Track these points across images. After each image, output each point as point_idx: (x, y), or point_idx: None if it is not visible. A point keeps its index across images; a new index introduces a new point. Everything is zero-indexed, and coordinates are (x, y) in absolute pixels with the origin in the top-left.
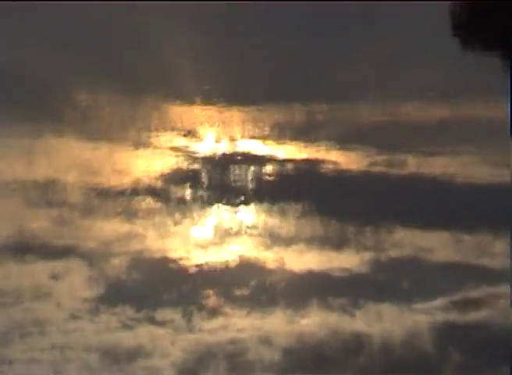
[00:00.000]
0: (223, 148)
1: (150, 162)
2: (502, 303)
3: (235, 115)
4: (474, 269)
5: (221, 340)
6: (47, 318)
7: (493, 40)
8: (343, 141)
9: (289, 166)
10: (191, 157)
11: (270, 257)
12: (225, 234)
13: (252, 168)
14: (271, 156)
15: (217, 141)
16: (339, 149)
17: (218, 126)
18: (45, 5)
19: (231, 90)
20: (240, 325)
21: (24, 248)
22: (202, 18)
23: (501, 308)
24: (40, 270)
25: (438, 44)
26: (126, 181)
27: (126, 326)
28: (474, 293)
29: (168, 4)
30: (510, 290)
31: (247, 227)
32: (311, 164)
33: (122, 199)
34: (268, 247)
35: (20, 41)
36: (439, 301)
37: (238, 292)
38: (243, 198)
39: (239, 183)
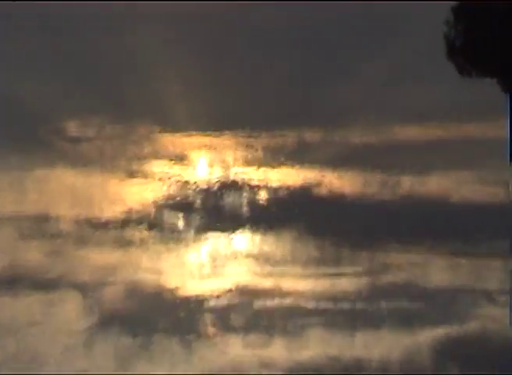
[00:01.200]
0: (216, 174)
1: (142, 190)
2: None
3: (227, 141)
4: (470, 292)
5: (219, 367)
6: (41, 350)
7: (489, 65)
8: (337, 163)
9: (283, 190)
10: (184, 184)
11: (266, 282)
12: (220, 261)
13: (245, 193)
14: (264, 181)
15: (210, 168)
16: (333, 172)
17: (211, 152)
18: (33, 30)
19: (222, 116)
20: (238, 352)
21: (17, 280)
22: (192, 43)
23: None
24: (33, 302)
25: (433, 64)
26: (118, 210)
27: (121, 357)
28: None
29: (156, 28)
30: (509, 308)
31: (242, 253)
32: (304, 187)
33: (115, 228)
34: (263, 272)
35: (9, 71)
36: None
37: (235, 319)
38: (237, 224)
39: (233, 210)
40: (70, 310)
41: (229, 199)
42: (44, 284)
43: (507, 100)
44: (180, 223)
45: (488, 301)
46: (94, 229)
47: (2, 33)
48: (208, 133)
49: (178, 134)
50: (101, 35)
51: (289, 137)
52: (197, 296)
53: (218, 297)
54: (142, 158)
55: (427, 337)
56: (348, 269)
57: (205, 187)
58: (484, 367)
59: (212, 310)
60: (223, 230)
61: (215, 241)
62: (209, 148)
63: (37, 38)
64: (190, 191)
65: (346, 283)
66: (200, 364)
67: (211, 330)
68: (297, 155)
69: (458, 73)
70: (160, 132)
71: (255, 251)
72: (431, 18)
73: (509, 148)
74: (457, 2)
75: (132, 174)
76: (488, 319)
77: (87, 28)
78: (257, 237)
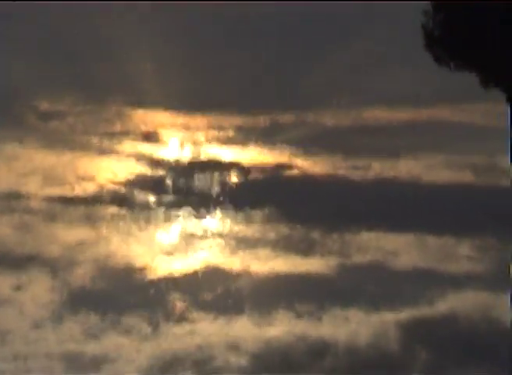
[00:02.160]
0: (187, 153)
1: (113, 168)
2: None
3: (199, 120)
4: (438, 273)
5: (187, 346)
6: (9, 326)
7: (469, 58)
8: (308, 145)
9: (254, 171)
10: (155, 163)
11: (236, 262)
12: (190, 240)
13: (216, 173)
14: (235, 161)
15: (181, 147)
16: (304, 154)
17: (182, 131)
18: (6, 10)
19: (194, 96)
20: (206, 331)
21: None
22: (166, 24)
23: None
24: (2, 278)
25: (404, 50)
26: (89, 188)
27: (90, 334)
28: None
29: (131, 12)
30: (510, 295)
31: (212, 233)
32: (275, 169)
33: (86, 206)
34: (233, 252)
35: None
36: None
37: (204, 298)
38: (207, 204)
39: (203, 189)
40: (39, 287)
41: (200, 178)
42: (14, 261)
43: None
44: (151, 202)
45: (455, 283)
46: (64, 206)
47: None
48: (181, 112)
49: (150, 113)
50: (75, 15)
51: (261, 119)
52: (166, 274)
53: (187, 275)
54: (113, 135)
55: (394, 317)
56: (317, 250)
57: (176, 165)
58: (452, 348)
59: (181, 288)
60: (193, 208)
61: (186, 220)
62: (181, 127)
63: (11, 19)
64: (161, 170)
65: (316, 264)
66: (167, 342)
67: (179, 308)
68: (269, 136)
69: (436, 64)
70: (132, 110)
71: (225, 230)
72: (405, 5)
73: (509, 153)
74: None
75: (103, 152)
76: (456, 300)
77: (62, 9)
78: (228, 217)
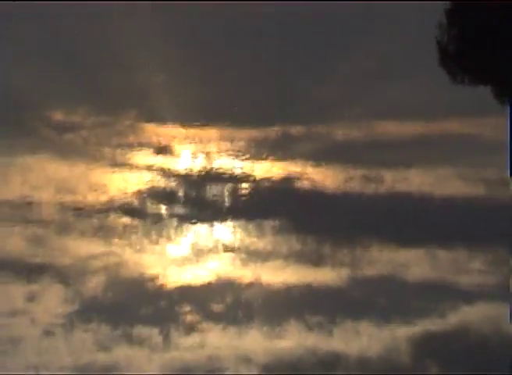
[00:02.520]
0: (199, 165)
1: (126, 180)
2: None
3: (211, 133)
4: (450, 287)
5: (198, 357)
6: (21, 336)
7: (484, 73)
8: (319, 158)
9: (266, 182)
10: (167, 175)
11: (247, 274)
12: (201, 251)
13: (228, 185)
14: (247, 173)
15: (193, 159)
16: (315, 166)
17: (194, 144)
18: (22, 19)
19: (207, 108)
20: (217, 342)
21: None
22: (178, 35)
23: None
24: (14, 289)
25: (417, 61)
26: (102, 199)
27: (101, 345)
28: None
29: (145, 20)
30: (510, 306)
31: (224, 244)
32: (287, 181)
33: (98, 217)
34: (244, 264)
35: None
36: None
37: (215, 309)
38: (219, 215)
39: (215, 201)
40: (51, 297)
41: (212, 191)
42: (26, 271)
43: (508, 109)
44: (163, 213)
45: (468, 296)
46: (77, 217)
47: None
48: (193, 124)
49: (162, 125)
50: (89, 24)
51: (273, 131)
52: (177, 285)
53: (198, 287)
54: (126, 148)
55: (405, 330)
56: (329, 262)
57: (188, 177)
58: (463, 362)
59: (192, 300)
60: (205, 221)
61: (197, 232)
62: (193, 139)
63: (24, 26)
64: (173, 182)
65: (327, 276)
66: (178, 353)
67: (190, 319)
68: (281, 149)
69: (451, 80)
70: (145, 122)
71: (236, 242)
72: (418, 15)
73: (509, 159)
74: (451, 4)
75: (116, 164)
76: (467, 313)
77: (75, 17)
78: (239, 229)
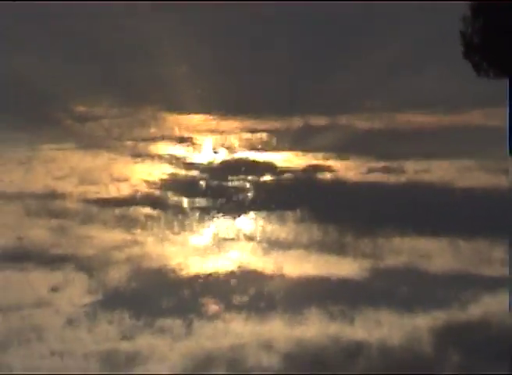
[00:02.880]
0: (221, 156)
1: (148, 171)
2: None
3: (233, 124)
4: (472, 277)
5: (220, 346)
6: (46, 325)
7: (509, 65)
8: (341, 148)
9: (287, 174)
10: (189, 165)
11: (269, 264)
12: (223, 241)
13: (250, 176)
14: (269, 164)
15: (215, 150)
16: (337, 157)
17: (216, 135)
18: (46, 13)
19: (229, 100)
20: (239, 331)
21: (23, 257)
22: (200, 29)
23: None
24: (39, 279)
25: (438, 53)
26: (124, 190)
27: (125, 334)
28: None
29: (168, 14)
30: (509, 295)
31: (246, 235)
32: (309, 172)
33: (121, 208)
34: (266, 253)
35: (20, 50)
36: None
37: (237, 298)
38: (241, 206)
39: (237, 191)
40: (75, 287)
41: (234, 182)
42: (50, 261)
43: (507, 92)
44: (184, 203)
45: (488, 287)
46: (100, 207)
47: (18, 16)
48: (215, 116)
49: (184, 116)
50: (112, 18)
51: (295, 122)
52: (199, 275)
53: (220, 276)
54: (148, 139)
55: (426, 320)
56: (350, 253)
57: (210, 168)
58: (484, 353)
59: (214, 289)
60: (227, 211)
61: (219, 222)
62: (215, 130)
63: (51, 20)
64: (195, 172)
65: (348, 267)
66: (200, 341)
67: (212, 308)
68: (302, 139)
69: (475, 73)
70: (167, 114)
71: (258, 232)
72: (440, 8)
73: (508, 139)
74: None
75: (138, 155)
76: (489, 304)
77: (100, 11)
78: (261, 219)
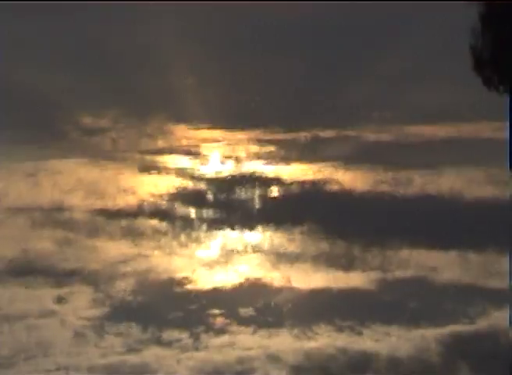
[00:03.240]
0: (228, 168)
1: (155, 183)
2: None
3: (240, 136)
4: (480, 290)
5: (228, 358)
6: (52, 338)
7: None
8: (349, 160)
9: (295, 186)
10: (196, 177)
11: (276, 277)
12: (231, 254)
13: (257, 188)
14: (276, 176)
15: (222, 162)
16: (345, 169)
17: (224, 147)
18: (49, 23)
19: (236, 111)
20: (247, 343)
21: (29, 270)
22: (207, 41)
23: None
24: (45, 291)
25: (444, 65)
26: (131, 202)
27: (131, 348)
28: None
29: (172, 24)
30: (509, 309)
31: (253, 247)
32: (316, 184)
33: (128, 220)
34: (274, 266)
35: (23, 61)
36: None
37: (244, 311)
38: (248, 219)
39: (244, 204)
40: (81, 300)
41: (241, 194)
42: (56, 274)
43: (507, 106)
44: (192, 216)
45: (496, 299)
46: (106, 220)
47: (22, 25)
48: (222, 127)
49: (191, 128)
50: (117, 29)
51: (302, 134)
52: (206, 288)
53: (227, 289)
54: (155, 151)
55: (435, 333)
56: (358, 265)
57: (217, 180)
58: (492, 365)
59: (222, 302)
60: (234, 224)
61: (226, 235)
62: (222, 142)
63: (55, 31)
64: (202, 184)
65: (356, 279)
66: (208, 354)
67: (220, 321)
68: (310, 151)
69: (485, 87)
70: (174, 125)
71: (266, 245)
72: (446, 18)
73: (509, 154)
74: (486, 9)
75: (145, 167)
76: (497, 317)
77: (103, 22)
78: (268, 232)
